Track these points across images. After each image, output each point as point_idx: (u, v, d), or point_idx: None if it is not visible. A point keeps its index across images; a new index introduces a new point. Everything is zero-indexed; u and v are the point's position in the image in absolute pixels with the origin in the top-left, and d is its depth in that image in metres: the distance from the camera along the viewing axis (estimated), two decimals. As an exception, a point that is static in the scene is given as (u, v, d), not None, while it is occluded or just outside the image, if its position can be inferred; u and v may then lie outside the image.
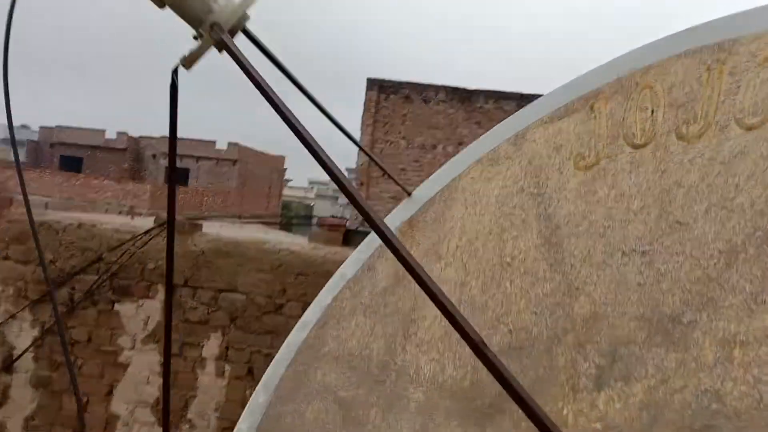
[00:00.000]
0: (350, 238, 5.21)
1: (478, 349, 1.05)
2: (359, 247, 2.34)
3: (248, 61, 1.03)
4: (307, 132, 1.09)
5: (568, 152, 1.94)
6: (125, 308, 6.93)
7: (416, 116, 15.78)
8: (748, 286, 1.31)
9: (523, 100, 15.47)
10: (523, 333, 1.79)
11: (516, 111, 2.24)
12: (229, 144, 37.37)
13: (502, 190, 2.05)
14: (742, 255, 1.37)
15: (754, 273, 1.32)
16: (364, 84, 16.12)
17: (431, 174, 2.33)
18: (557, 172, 1.95)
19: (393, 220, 2.30)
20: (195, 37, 1.05)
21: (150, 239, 6.67)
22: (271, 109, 1.07)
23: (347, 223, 6.59)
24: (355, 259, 2.31)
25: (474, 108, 15.76)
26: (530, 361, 1.75)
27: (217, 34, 1.01)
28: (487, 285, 1.91)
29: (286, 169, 44.83)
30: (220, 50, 1.05)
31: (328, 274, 2.37)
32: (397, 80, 15.85)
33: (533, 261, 1.85)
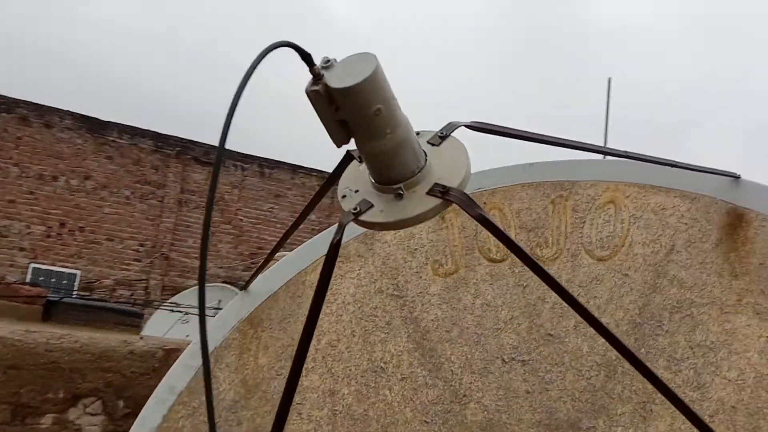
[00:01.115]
0: (53, 313, 4.06)
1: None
2: (185, 353, 2.00)
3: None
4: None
5: (424, 257, 2.07)
6: None
7: (35, 141, 13.64)
8: (635, 396, 1.65)
9: (160, 139, 14.94)
10: (420, 444, 1.81)
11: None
12: None
13: (359, 289, 2.05)
14: (620, 368, 1.71)
15: (636, 385, 1.66)
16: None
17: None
18: (416, 275, 2.05)
19: (227, 318, 2.05)
20: (354, 210, 0.99)
21: None
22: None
23: (46, 293, 5.20)
24: (183, 366, 1.96)
25: (106, 141, 14.47)
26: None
27: (456, 195, 0.88)
28: (363, 393, 1.87)
29: None
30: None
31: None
32: (12, 97, 13.48)
33: (409, 366, 1.90)
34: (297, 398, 1.89)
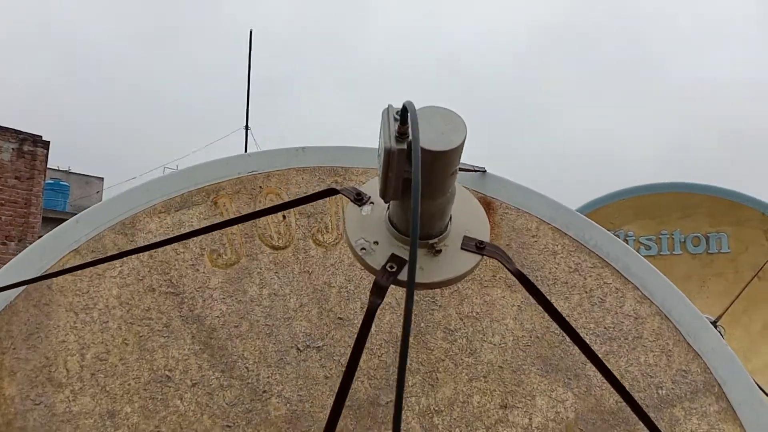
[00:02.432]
0: None
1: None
2: None
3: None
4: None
5: (199, 248, 1.92)
6: None
7: None
8: (422, 367, 1.84)
9: None
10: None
11: None
12: None
13: (124, 289, 1.80)
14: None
15: (421, 357, 1.85)
16: None
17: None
18: (192, 268, 1.89)
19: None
20: (390, 268, 0.89)
21: None
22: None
23: None
24: None
25: None
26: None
27: (494, 251, 0.80)
28: (150, 408, 1.66)
29: None
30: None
31: None
32: None
33: (199, 370, 1.75)
34: (67, 428, 1.55)
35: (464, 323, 1.92)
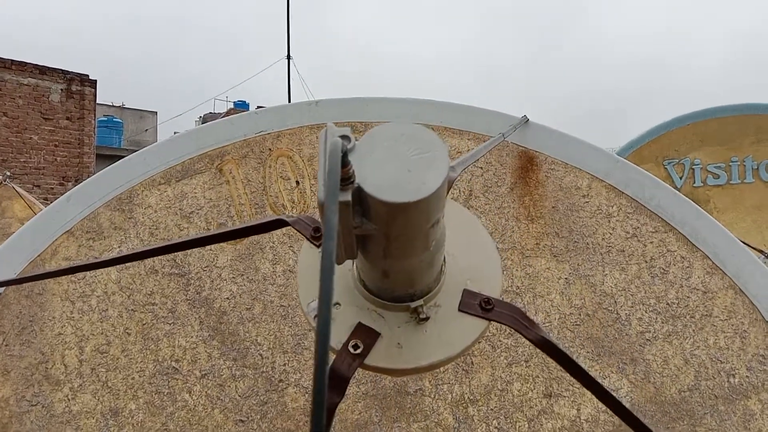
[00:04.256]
0: None
1: None
2: None
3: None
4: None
5: (204, 221, 1.73)
6: None
7: None
8: (456, 351, 1.64)
9: None
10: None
11: None
12: None
13: (124, 272, 1.64)
14: (436, 324, 1.67)
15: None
16: None
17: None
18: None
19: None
20: (353, 348, 0.62)
21: None
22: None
23: None
24: None
25: None
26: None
27: (505, 313, 0.57)
28: (156, 404, 1.53)
29: None
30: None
31: None
32: None
33: (208, 359, 1.60)
34: (67, 430, 1.44)
35: (503, 298, 1.69)
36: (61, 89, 13.44)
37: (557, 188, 1.75)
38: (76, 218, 1.63)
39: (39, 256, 1.58)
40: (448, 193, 0.67)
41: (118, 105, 28.91)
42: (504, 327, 1.63)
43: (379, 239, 0.63)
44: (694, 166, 5.22)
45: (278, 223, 0.79)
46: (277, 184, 1.78)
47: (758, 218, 5.01)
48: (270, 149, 1.79)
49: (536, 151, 1.78)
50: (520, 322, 0.75)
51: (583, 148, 1.75)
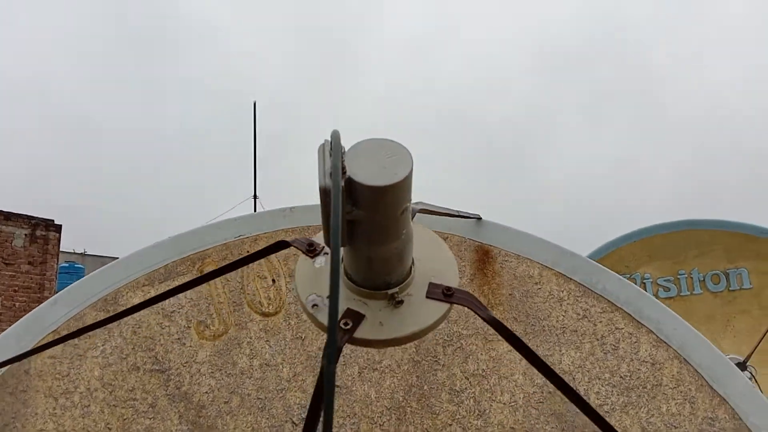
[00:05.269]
0: None
1: None
2: None
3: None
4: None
5: (185, 320, 1.83)
6: None
7: None
8: (428, 434, 1.70)
9: None
10: None
11: None
12: None
13: (107, 369, 1.70)
14: (408, 409, 1.75)
15: (426, 422, 1.72)
16: None
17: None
18: (178, 343, 1.79)
19: None
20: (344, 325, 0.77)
21: None
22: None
23: None
24: None
25: None
26: None
27: (464, 297, 0.72)
28: (134, 498, 1.53)
29: None
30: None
31: None
32: None
33: (187, 452, 1.63)
34: None
35: (470, 382, 1.79)
36: (25, 234, 13.47)
37: (512, 277, 1.92)
38: (62, 320, 1.71)
39: (24, 354, 1.63)
40: (412, 218, 0.85)
41: (80, 252, 28.71)
42: (472, 408, 1.73)
43: (364, 225, 0.79)
44: (644, 281, 5.51)
45: (281, 245, 0.94)
46: (255, 283, 1.91)
47: (711, 328, 5.23)
48: (248, 251, 1.94)
49: (491, 245, 1.97)
50: (474, 305, 0.90)
51: (531, 241, 1.95)
